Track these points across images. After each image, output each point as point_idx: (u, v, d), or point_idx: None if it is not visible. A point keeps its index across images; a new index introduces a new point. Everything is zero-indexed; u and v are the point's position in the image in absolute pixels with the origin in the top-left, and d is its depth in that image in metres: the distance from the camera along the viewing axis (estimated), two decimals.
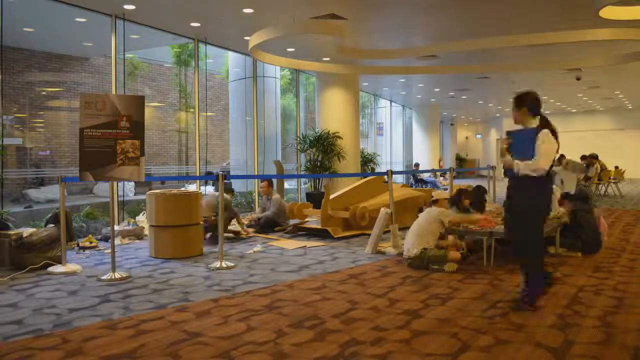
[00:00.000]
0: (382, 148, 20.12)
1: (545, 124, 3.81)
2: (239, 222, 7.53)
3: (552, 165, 3.78)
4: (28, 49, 10.39)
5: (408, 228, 7.79)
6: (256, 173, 11.38)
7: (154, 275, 5.12)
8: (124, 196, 8.80)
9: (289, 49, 10.03)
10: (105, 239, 6.95)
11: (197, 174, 9.74)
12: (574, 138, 24.05)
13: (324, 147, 11.57)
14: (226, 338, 3.27)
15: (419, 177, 17.92)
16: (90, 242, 6.65)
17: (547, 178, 3.79)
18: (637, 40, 8.22)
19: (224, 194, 6.30)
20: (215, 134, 14.84)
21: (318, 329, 3.42)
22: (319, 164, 11.59)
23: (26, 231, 5.52)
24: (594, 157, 14.54)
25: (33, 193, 10.33)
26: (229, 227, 7.44)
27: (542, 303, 3.88)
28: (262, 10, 7.53)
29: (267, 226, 7.92)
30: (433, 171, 19.52)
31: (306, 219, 8.10)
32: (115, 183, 5.38)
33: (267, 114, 12.05)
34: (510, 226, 4.01)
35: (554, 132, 3.80)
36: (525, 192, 3.76)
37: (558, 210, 6.15)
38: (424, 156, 20.69)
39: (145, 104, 5.22)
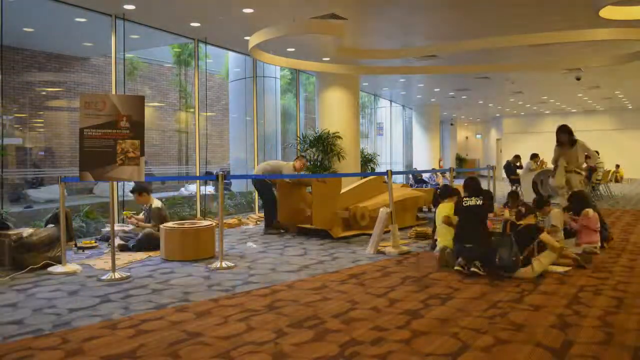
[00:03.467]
0: (382, 148, 20.13)
1: None
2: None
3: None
4: (28, 49, 10.39)
5: (408, 228, 7.82)
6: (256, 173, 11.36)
7: (154, 275, 5.12)
8: (123, 196, 8.80)
9: (289, 49, 10.03)
10: (105, 239, 6.94)
11: (197, 174, 9.74)
12: None
13: (324, 147, 11.57)
14: (226, 338, 3.27)
15: (419, 177, 17.91)
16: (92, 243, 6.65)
17: None
18: (637, 40, 8.22)
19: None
20: (215, 134, 14.84)
21: (318, 329, 3.42)
22: (319, 164, 11.60)
23: (26, 231, 5.52)
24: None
25: (33, 193, 10.33)
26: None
27: None
28: (262, 10, 7.53)
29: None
30: (433, 171, 19.52)
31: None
32: (115, 183, 5.38)
33: (267, 114, 12.05)
34: None
35: None
36: None
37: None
38: (424, 156, 20.70)
39: (145, 104, 5.22)
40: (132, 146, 4.99)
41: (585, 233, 6.02)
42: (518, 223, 5.13)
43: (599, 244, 6.06)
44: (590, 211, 6.06)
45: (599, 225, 6.12)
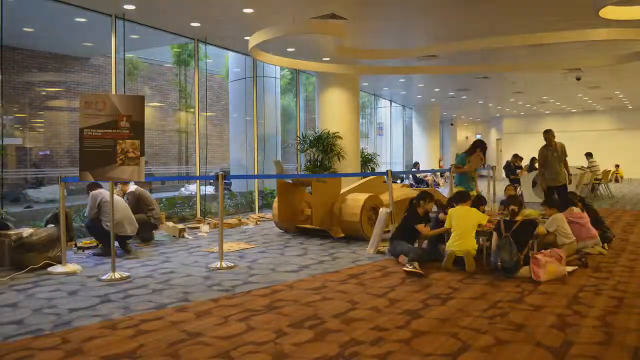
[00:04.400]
0: (382, 148, 20.13)
1: None
2: None
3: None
4: (28, 49, 10.39)
5: None
6: (256, 173, 11.38)
7: (154, 275, 5.12)
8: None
9: (289, 49, 10.03)
10: None
11: (197, 174, 9.74)
12: (573, 138, 24.10)
13: (324, 147, 11.57)
14: (226, 338, 3.27)
15: (418, 177, 17.91)
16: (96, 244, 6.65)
17: None
18: (637, 40, 8.23)
19: None
20: (215, 134, 14.85)
21: (318, 329, 3.42)
22: (319, 164, 11.60)
23: (26, 231, 5.52)
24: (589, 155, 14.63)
25: (33, 193, 10.33)
26: None
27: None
28: (262, 10, 7.53)
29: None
30: (433, 171, 19.52)
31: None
32: (115, 183, 5.38)
33: (267, 114, 12.05)
34: None
35: None
36: None
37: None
38: (424, 156, 20.73)
39: (145, 104, 5.22)
40: (132, 146, 4.99)
41: (575, 230, 5.95)
42: (513, 221, 5.06)
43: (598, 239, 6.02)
44: (573, 208, 6.07)
45: (584, 219, 6.01)
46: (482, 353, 2.99)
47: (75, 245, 6.48)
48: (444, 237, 5.60)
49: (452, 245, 5.25)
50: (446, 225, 5.43)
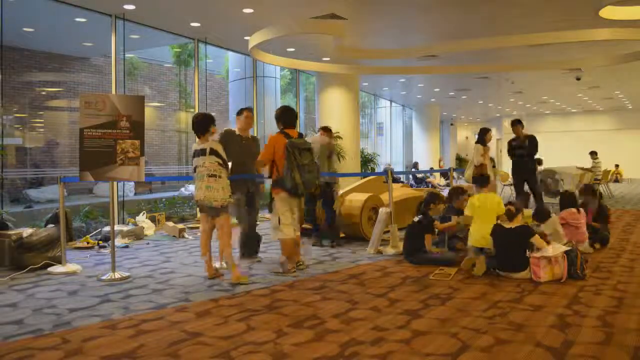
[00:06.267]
0: (382, 148, 20.13)
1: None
2: None
3: None
4: (28, 49, 10.39)
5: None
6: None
7: (154, 275, 5.12)
8: (123, 196, 8.80)
9: (289, 49, 10.04)
10: (105, 239, 6.95)
11: None
12: (573, 138, 24.11)
13: None
14: (226, 338, 3.27)
15: (419, 177, 17.91)
16: (88, 243, 6.66)
17: None
18: (637, 40, 8.23)
19: None
20: (215, 134, 14.82)
21: (318, 329, 3.42)
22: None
23: (26, 231, 5.52)
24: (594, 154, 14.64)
25: (33, 193, 10.32)
26: None
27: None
28: (262, 10, 7.53)
29: None
30: (432, 171, 19.51)
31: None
32: (115, 183, 5.38)
33: (267, 114, 12.05)
34: None
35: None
36: None
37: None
38: (424, 156, 20.74)
39: (145, 104, 5.22)
40: (132, 146, 4.99)
41: (569, 232, 5.92)
42: (507, 227, 4.98)
43: (587, 242, 5.98)
44: (573, 210, 6.01)
45: (580, 222, 6.00)
46: (482, 353, 2.99)
47: (98, 244, 6.53)
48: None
49: (477, 241, 5.26)
50: (468, 213, 5.38)
